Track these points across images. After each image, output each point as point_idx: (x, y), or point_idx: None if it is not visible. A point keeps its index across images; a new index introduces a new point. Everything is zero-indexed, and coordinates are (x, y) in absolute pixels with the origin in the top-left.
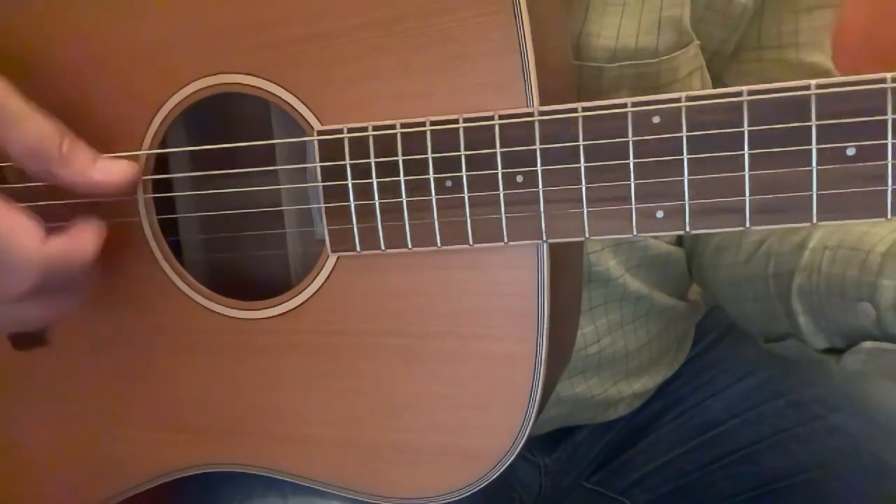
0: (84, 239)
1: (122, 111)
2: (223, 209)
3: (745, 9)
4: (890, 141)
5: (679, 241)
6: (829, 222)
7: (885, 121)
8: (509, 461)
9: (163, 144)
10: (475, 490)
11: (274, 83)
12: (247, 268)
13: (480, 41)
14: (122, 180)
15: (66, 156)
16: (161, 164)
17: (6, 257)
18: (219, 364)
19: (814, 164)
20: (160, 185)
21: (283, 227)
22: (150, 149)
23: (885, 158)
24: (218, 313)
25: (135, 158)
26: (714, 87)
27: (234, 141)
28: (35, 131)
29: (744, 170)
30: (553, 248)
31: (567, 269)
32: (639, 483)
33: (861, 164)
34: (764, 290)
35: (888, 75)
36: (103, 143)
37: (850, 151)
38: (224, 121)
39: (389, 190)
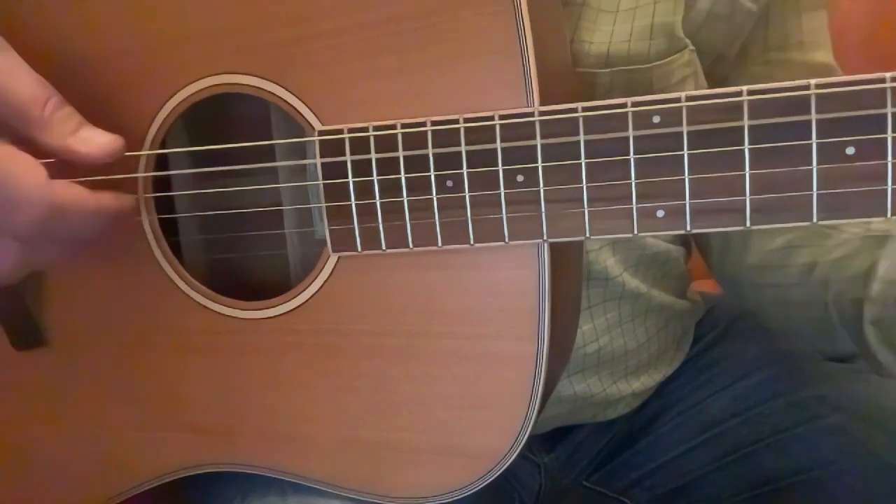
0: (87, 192)
1: (122, 111)
2: (223, 209)
3: (751, 13)
4: (890, 140)
5: (679, 239)
6: (833, 220)
7: (885, 120)
8: (510, 461)
9: (163, 145)
10: (475, 490)
11: (275, 83)
12: (247, 268)
13: (481, 40)
14: (102, 152)
15: (47, 119)
16: (162, 164)
17: (10, 193)
18: (219, 364)
19: (814, 163)
20: (161, 186)
21: (283, 228)
22: (150, 149)
23: (885, 157)
24: (218, 313)
25: (136, 158)
26: None
27: (234, 141)
28: (18, 89)
29: (744, 169)
30: (554, 248)
31: (568, 269)
32: (639, 483)
33: (861, 163)
34: (823, 315)
35: (888, 75)
36: None
37: (850, 150)
38: (224, 121)
39: (390, 189)
